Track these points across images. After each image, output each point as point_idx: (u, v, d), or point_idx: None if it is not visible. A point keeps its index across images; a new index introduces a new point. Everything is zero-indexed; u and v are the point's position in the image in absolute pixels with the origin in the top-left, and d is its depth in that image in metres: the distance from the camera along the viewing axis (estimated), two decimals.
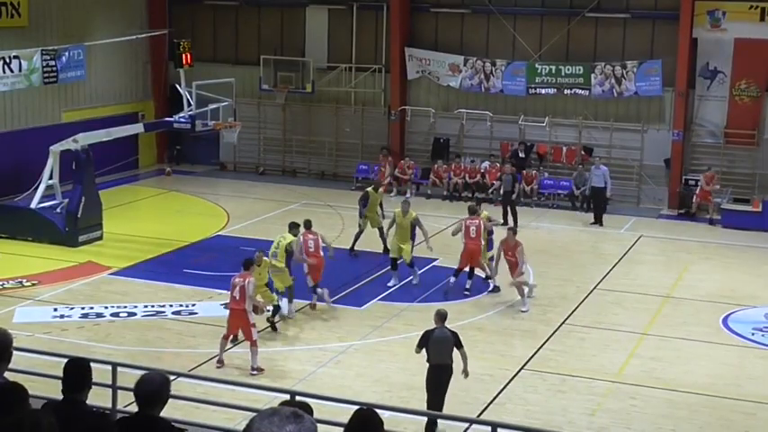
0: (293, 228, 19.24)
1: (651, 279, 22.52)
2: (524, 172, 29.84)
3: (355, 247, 23.48)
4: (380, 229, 23.38)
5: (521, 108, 31.17)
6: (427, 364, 14.03)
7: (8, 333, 6.87)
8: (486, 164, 30.88)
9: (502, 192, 27.36)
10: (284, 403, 7.32)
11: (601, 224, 27.40)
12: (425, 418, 13.65)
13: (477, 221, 20.61)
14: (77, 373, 6.76)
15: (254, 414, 3.76)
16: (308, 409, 6.25)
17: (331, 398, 11.41)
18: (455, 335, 14.14)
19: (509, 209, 26.57)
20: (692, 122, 29.75)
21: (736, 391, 16.03)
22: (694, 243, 26.10)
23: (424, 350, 14.06)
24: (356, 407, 5.77)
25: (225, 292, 20.17)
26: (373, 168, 31.32)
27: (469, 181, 30.43)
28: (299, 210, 27.99)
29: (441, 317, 14.25)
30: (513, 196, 27.40)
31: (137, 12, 33.72)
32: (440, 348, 13.98)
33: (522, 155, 30.55)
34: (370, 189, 24.14)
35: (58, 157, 24.64)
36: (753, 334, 18.89)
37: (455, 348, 14.02)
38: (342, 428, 5.81)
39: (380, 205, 24.01)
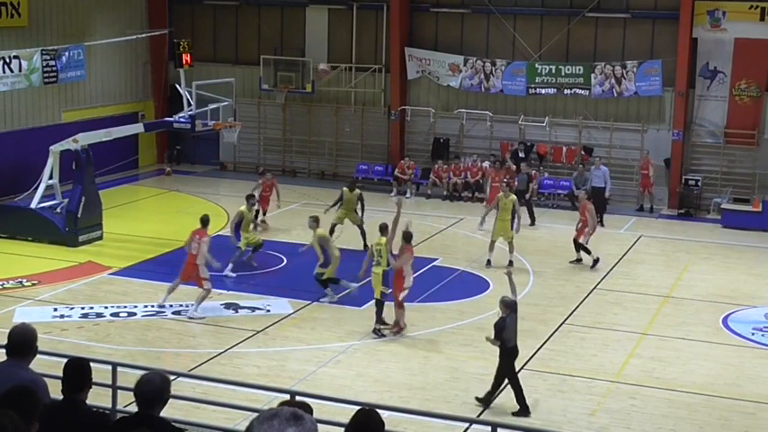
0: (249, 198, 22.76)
1: (651, 279, 22.52)
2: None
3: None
4: (360, 226, 23.74)
5: (521, 108, 31.18)
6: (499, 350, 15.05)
7: (30, 329, 7.13)
8: (487, 164, 30.86)
9: (516, 191, 27.30)
10: (284, 403, 7.30)
11: (602, 224, 27.37)
12: (425, 418, 13.64)
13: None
14: (77, 372, 6.76)
15: (255, 414, 3.75)
16: (307, 408, 6.25)
17: (331, 398, 11.41)
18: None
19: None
20: (692, 122, 29.76)
21: (735, 391, 16.03)
22: (694, 243, 26.10)
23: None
24: (356, 407, 5.78)
25: (225, 292, 20.32)
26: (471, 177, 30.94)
27: (470, 180, 30.41)
28: (299, 210, 27.99)
29: (507, 304, 15.22)
30: (527, 195, 27.45)
31: (137, 12, 33.73)
32: (515, 331, 15.14)
33: (521, 155, 30.54)
34: (345, 188, 24.28)
35: (57, 157, 24.63)
36: (753, 334, 18.88)
37: None
38: (342, 428, 5.82)
39: (361, 202, 23.95)
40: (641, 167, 29.42)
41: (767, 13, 28.46)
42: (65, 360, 7.07)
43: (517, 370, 16.43)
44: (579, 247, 23.17)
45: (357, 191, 24.22)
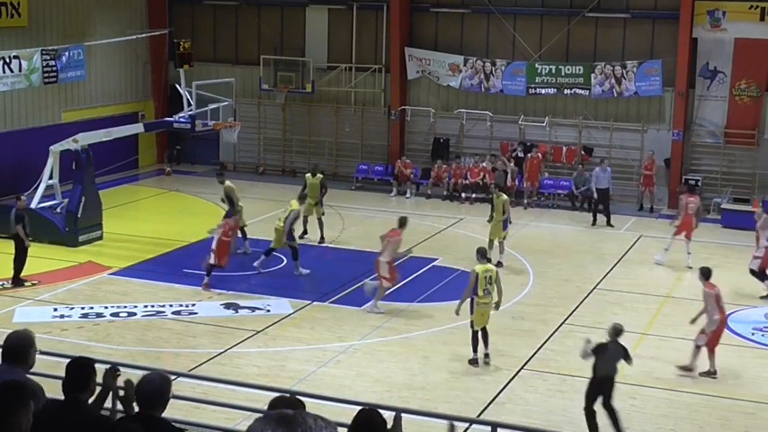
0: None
1: (651, 279, 22.52)
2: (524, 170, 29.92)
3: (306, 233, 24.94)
4: (320, 220, 24.76)
5: (521, 108, 31.18)
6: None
7: (27, 336, 6.88)
8: (487, 164, 30.83)
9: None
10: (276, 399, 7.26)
11: (609, 224, 27.21)
12: (426, 418, 13.63)
13: (694, 199, 23.73)
14: (79, 372, 6.74)
15: (255, 414, 3.73)
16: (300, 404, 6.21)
17: (331, 398, 11.41)
18: (625, 349, 14.26)
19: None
20: (692, 122, 29.76)
21: (735, 391, 16.03)
22: (694, 243, 26.04)
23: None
24: (356, 407, 5.78)
25: (225, 292, 20.32)
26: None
27: (470, 181, 30.38)
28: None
29: (617, 331, 14.26)
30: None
31: (137, 12, 33.73)
32: (612, 363, 14.13)
33: (521, 155, 30.54)
34: (308, 174, 25.36)
35: (57, 157, 24.65)
36: (753, 334, 18.89)
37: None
38: (343, 429, 5.82)
39: (322, 190, 24.92)
40: (645, 167, 29.33)
41: (767, 13, 28.46)
42: (65, 360, 7.05)
43: (516, 371, 16.49)
44: (760, 275, 21.40)
45: (319, 176, 25.01)
